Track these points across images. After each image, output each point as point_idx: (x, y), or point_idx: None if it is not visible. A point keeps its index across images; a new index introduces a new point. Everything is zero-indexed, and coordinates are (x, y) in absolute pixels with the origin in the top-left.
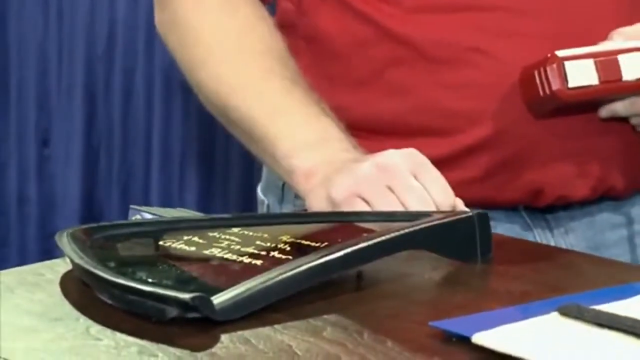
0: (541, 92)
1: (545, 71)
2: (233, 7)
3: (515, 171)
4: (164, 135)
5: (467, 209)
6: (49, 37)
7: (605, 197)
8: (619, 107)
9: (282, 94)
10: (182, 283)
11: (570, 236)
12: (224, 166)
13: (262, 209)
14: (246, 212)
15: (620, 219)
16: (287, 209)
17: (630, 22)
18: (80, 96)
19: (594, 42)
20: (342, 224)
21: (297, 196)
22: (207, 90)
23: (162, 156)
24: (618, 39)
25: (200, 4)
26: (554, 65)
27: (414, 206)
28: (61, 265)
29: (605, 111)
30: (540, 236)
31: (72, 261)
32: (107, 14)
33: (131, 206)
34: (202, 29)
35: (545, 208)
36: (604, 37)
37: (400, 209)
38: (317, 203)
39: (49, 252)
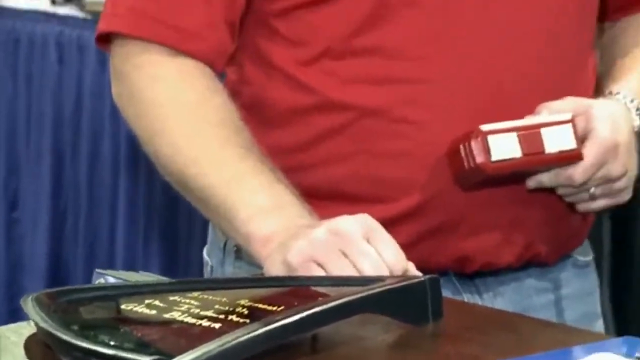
0: (466, 165)
1: (470, 145)
2: (189, 80)
3: (444, 239)
4: (129, 199)
5: (419, 273)
6: (18, 101)
7: (531, 263)
8: (545, 178)
9: (237, 162)
10: (143, 346)
11: (498, 300)
12: (188, 230)
13: (206, 270)
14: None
15: (547, 284)
16: (228, 269)
17: (556, 97)
18: (48, 159)
19: (521, 116)
20: (298, 288)
21: (238, 257)
22: (165, 159)
23: (127, 220)
24: (544, 113)
25: (156, 77)
26: (478, 139)
27: (368, 270)
28: (26, 328)
29: (531, 182)
30: (469, 300)
31: (36, 324)
32: (75, 79)
33: (96, 270)
34: (158, 101)
35: (473, 273)
36: (531, 110)
37: (354, 273)
38: (274, 268)
39: (16, 312)
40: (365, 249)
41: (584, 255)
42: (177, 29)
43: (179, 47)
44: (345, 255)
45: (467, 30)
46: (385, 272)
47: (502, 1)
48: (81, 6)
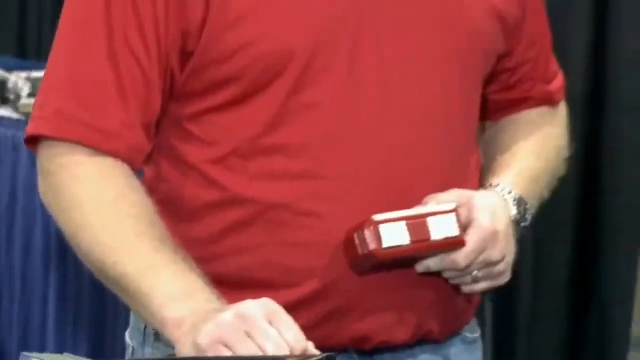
0: (360, 252)
1: (363, 233)
2: (108, 178)
3: (343, 320)
4: (59, 287)
5: (317, 352)
6: None
7: (425, 340)
8: (432, 263)
9: (153, 254)
10: None
11: None
12: (114, 316)
13: (128, 352)
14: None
15: (440, 359)
16: (147, 351)
17: (444, 188)
18: None
19: (411, 206)
20: None
21: (156, 339)
22: (88, 251)
23: (58, 307)
24: (430, 204)
25: (78, 176)
26: (371, 228)
27: (271, 350)
28: None
29: (420, 267)
30: None
31: None
32: (10, 175)
33: (22, 353)
34: (80, 198)
35: (372, 350)
36: (420, 200)
37: (259, 353)
38: (185, 349)
39: None
40: (268, 331)
41: (472, 332)
42: (97, 130)
43: (99, 147)
44: (250, 336)
45: (363, 130)
46: (286, 352)
47: (395, 103)
48: (15, 108)
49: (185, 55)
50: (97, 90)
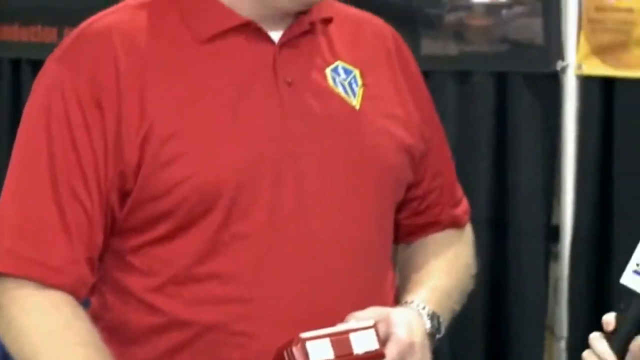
0: None
1: (291, 350)
2: (55, 309)
3: None
4: None
5: None
6: None
7: None
8: None
9: None
10: None
11: None
12: None
13: None
14: None
15: None
16: None
17: (363, 306)
18: None
19: (334, 323)
20: None
21: None
22: None
23: None
24: (352, 321)
25: (27, 308)
26: (298, 345)
27: None
28: None
29: None
30: None
31: None
32: None
33: None
34: (29, 328)
35: None
36: (343, 317)
37: None
38: None
39: None
40: None
41: None
42: (44, 266)
43: (46, 281)
44: None
45: (287, 258)
46: None
47: (315, 233)
48: None
49: (124, 194)
50: (44, 231)
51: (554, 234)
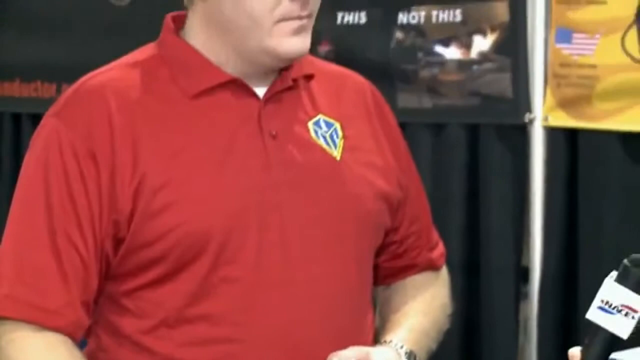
0: None
1: None
2: (52, 349)
3: None
4: None
5: None
6: None
7: None
8: None
9: None
10: None
11: None
12: None
13: None
14: None
15: None
16: None
17: (344, 345)
18: None
19: None
20: None
21: None
22: None
23: None
24: (334, 359)
25: (26, 349)
26: None
27: None
28: None
29: None
30: None
31: None
32: None
33: None
34: None
35: None
36: (324, 356)
37: None
38: None
39: None
40: None
41: None
42: (42, 310)
43: (44, 324)
44: None
45: (273, 299)
46: None
47: (298, 277)
48: None
49: (118, 241)
50: (42, 276)
51: (523, 275)
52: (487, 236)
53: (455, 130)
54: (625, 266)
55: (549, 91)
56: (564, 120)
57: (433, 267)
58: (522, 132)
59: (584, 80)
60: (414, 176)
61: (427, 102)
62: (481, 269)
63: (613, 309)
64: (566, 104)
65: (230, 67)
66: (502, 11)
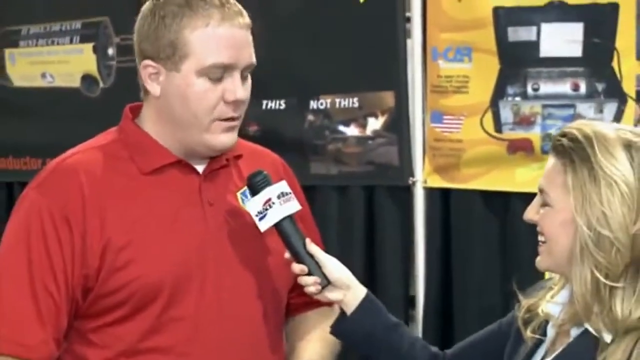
0: None
1: None
2: None
3: None
4: None
5: None
6: None
7: None
8: None
9: None
10: None
11: None
12: None
13: None
14: None
15: None
16: None
17: None
18: None
19: None
20: None
21: None
22: None
23: None
24: None
25: None
26: None
27: None
28: None
29: None
30: None
31: None
32: None
33: None
34: None
35: None
36: None
37: None
38: None
39: None
40: None
41: None
42: (22, 345)
43: (23, 357)
44: None
45: (211, 333)
46: None
47: (231, 315)
48: None
49: (87, 290)
50: (22, 318)
51: (410, 302)
52: (383, 273)
53: (356, 191)
54: (249, 186)
55: (426, 160)
56: (439, 182)
57: (331, 304)
58: (407, 192)
59: (453, 151)
60: (315, 229)
61: (333, 169)
62: (379, 298)
63: (265, 210)
64: (440, 170)
65: (176, 150)
66: (389, 99)
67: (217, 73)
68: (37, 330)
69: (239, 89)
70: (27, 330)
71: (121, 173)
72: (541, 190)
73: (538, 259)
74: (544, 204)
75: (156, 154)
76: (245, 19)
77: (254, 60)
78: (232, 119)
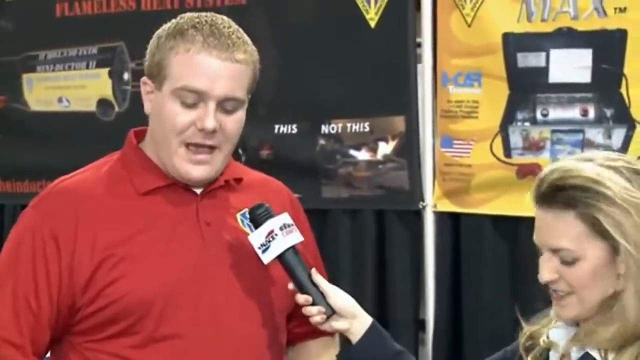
0: None
1: None
2: None
3: None
4: None
5: None
6: None
7: None
8: None
9: None
10: None
11: None
12: None
13: None
14: None
15: None
16: None
17: None
18: None
19: None
20: None
21: None
22: None
23: None
24: None
25: None
26: None
27: None
28: None
29: None
30: None
31: None
32: None
33: None
34: None
35: None
36: None
37: None
38: None
39: None
40: None
41: None
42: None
43: None
44: None
45: (205, 352)
46: None
47: (226, 335)
48: None
49: (74, 307)
50: (3, 332)
51: (421, 325)
52: (393, 297)
53: (367, 215)
54: (252, 219)
55: (437, 184)
56: (449, 206)
57: (332, 333)
58: (417, 216)
59: (463, 176)
60: (318, 258)
61: (344, 193)
62: (389, 321)
63: (268, 242)
64: (450, 194)
65: (170, 172)
66: (400, 124)
67: (190, 98)
68: (17, 343)
69: (208, 118)
70: (8, 343)
71: (118, 193)
72: (555, 250)
73: (559, 310)
74: (565, 262)
75: (151, 175)
76: (240, 54)
77: (236, 94)
78: (202, 147)
